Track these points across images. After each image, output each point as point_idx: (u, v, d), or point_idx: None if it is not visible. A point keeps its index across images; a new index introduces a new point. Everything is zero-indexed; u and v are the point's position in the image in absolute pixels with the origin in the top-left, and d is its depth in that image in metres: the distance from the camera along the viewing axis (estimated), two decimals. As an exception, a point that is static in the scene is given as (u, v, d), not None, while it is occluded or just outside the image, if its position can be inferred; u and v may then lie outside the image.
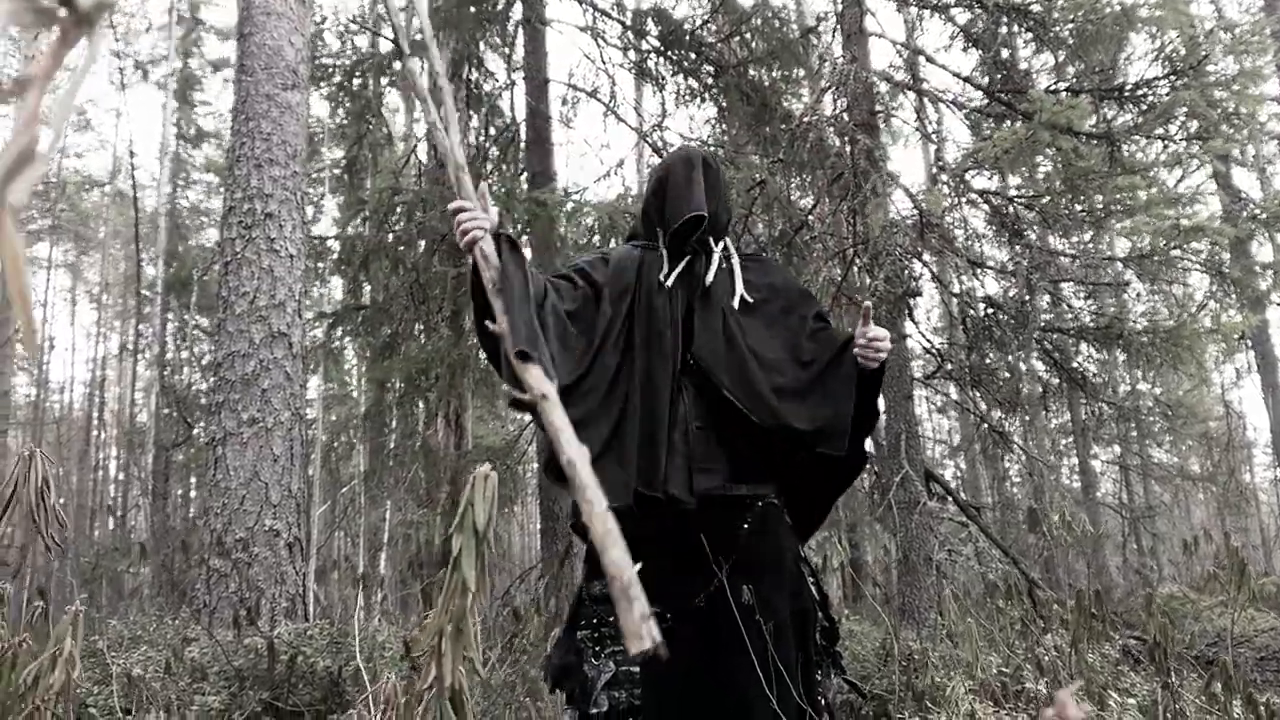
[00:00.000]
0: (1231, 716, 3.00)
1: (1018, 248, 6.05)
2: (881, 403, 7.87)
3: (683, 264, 2.43)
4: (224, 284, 5.88)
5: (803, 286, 2.58)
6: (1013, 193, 6.77)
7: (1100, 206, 5.48)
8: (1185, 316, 6.53)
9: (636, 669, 2.27)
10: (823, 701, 2.38)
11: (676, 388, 2.33)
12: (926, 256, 6.55)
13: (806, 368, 2.33)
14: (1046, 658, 3.47)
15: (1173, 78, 5.86)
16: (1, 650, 0.77)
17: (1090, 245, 6.64)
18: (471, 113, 9.99)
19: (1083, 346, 7.26)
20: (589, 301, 2.42)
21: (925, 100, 6.78)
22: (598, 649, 2.33)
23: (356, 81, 10.24)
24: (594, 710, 2.27)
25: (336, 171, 11.82)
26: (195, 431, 16.64)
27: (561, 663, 2.41)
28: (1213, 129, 5.74)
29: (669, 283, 2.39)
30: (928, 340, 7.44)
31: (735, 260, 2.48)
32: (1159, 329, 6.40)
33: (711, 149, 8.93)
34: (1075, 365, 7.23)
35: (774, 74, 8.79)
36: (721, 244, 2.48)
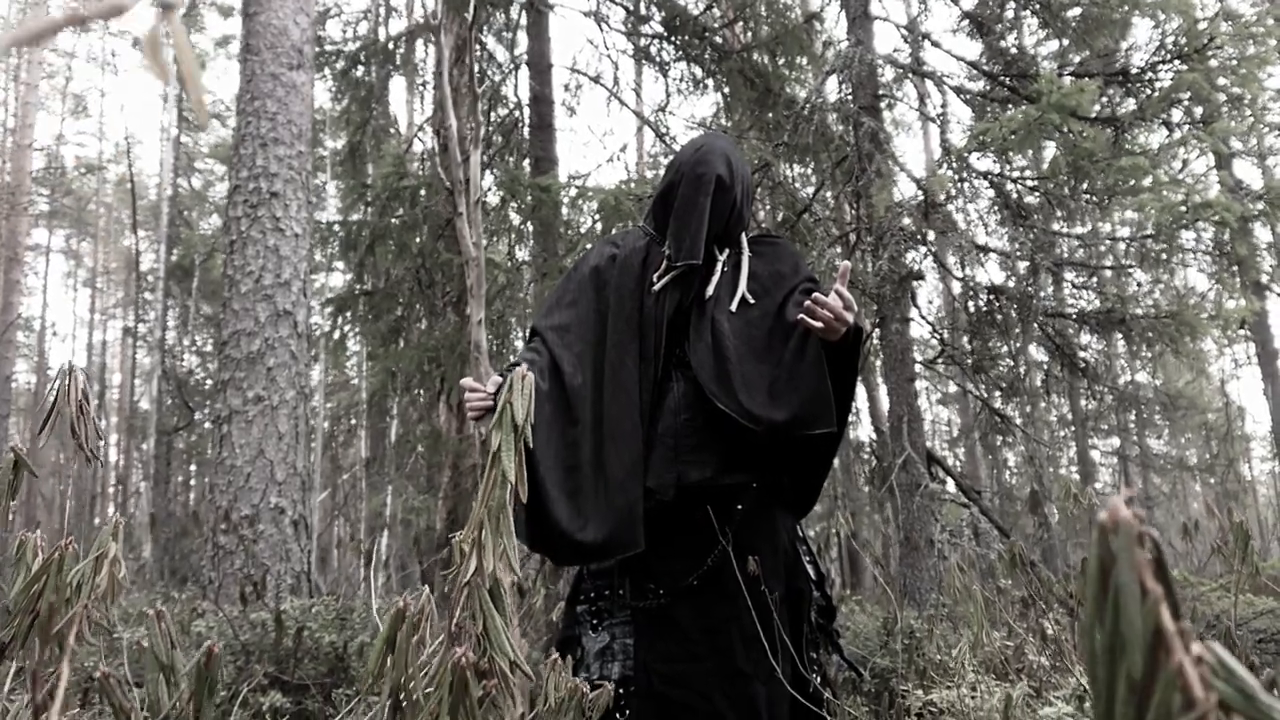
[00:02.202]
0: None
1: (1021, 230, 6.07)
2: (884, 389, 7.90)
3: (682, 270, 2.42)
4: (229, 263, 5.89)
5: (810, 273, 2.51)
6: (1016, 176, 6.78)
7: (1103, 189, 5.49)
8: (1185, 303, 6.55)
9: (630, 641, 2.31)
10: (818, 678, 2.40)
11: (665, 382, 2.35)
12: (930, 240, 6.57)
13: (786, 350, 2.29)
14: (1050, 629, 3.50)
15: (1176, 62, 5.87)
16: (49, 553, 0.79)
17: (1094, 229, 6.66)
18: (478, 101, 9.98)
19: (1084, 337, 7.28)
20: (586, 332, 2.45)
21: (929, 84, 6.79)
22: (596, 621, 2.37)
23: (360, 70, 10.24)
24: (582, 675, 2.32)
25: (339, 158, 11.83)
26: (197, 417, 16.67)
27: (564, 635, 2.46)
28: (1216, 114, 5.76)
29: (657, 287, 2.39)
30: (930, 325, 7.45)
31: (745, 256, 2.45)
32: (1160, 312, 6.42)
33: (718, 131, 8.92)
34: (1077, 356, 7.25)
35: (778, 60, 8.79)
36: (726, 253, 2.45)
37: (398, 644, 0.70)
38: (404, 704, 0.71)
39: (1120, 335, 6.85)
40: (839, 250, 6.73)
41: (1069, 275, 6.95)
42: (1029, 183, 6.22)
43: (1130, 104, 6.19)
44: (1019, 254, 5.97)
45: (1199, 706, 0.31)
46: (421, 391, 9.40)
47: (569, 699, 0.97)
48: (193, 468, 20.60)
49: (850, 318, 2.17)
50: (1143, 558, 0.33)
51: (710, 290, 2.38)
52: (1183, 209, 4.73)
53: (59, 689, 0.58)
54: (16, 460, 0.79)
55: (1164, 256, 5.68)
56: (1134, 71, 5.53)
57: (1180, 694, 0.32)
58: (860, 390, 13.30)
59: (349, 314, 9.12)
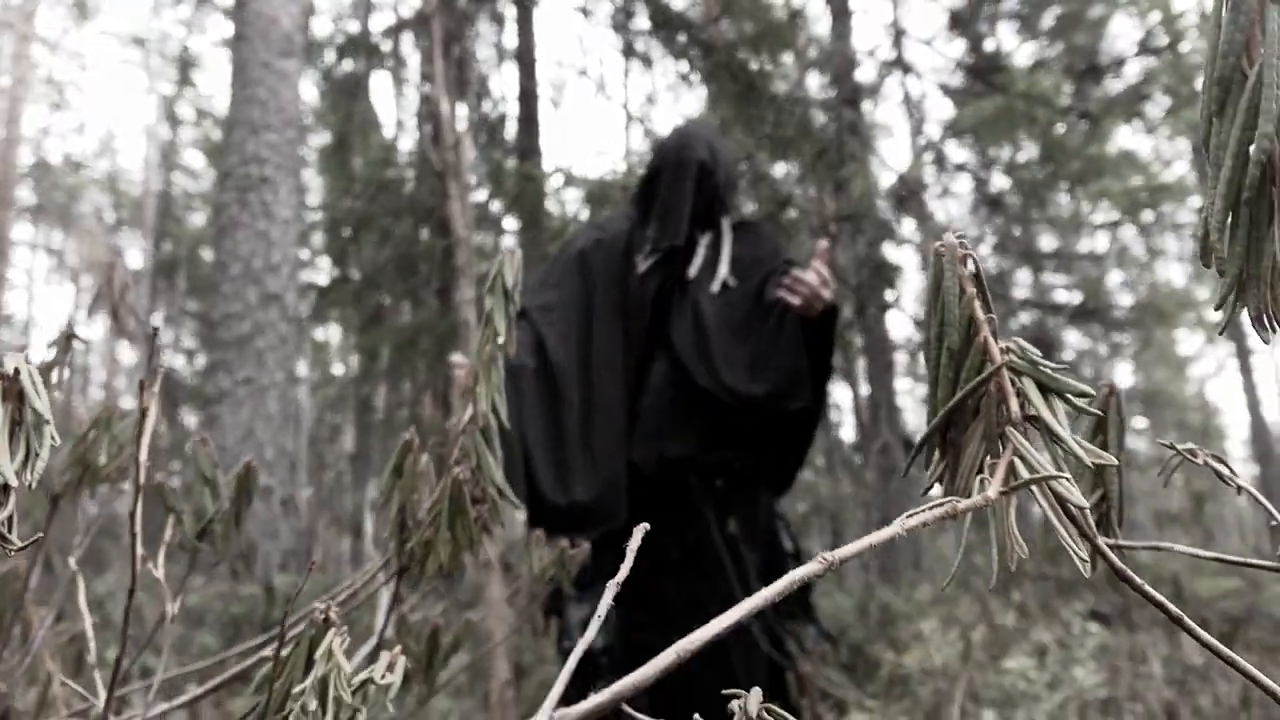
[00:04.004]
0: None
1: (995, 219, 6.22)
2: (863, 377, 8.04)
3: (665, 252, 2.49)
4: (220, 247, 5.99)
5: (789, 257, 2.58)
6: (995, 171, 6.92)
7: (1075, 175, 5.65)
8: (1158, 293, 6.71)
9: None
10: (795, 647, 2.50)
11: (649, 361, 2.44)
12: (909, 232, 6.71)
13: (764, 328, 2.35)
14: (1017, 597, 3.63)
15: (1150, 55, 6.03)
16: (100, 411, 0.90)
17: (1074, 217, 6.83)
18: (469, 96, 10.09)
19: (1064, 337, 7.43)
20: (571, 312, 2.50)
21: (911, 79, 6.94)
22: (578, 594, 2.46)
23: (347, 64, 10.33)
24: (565, 644, 2.41)
25: (327, 152, 11.90)
26: (182, 413, 16.68)
27: (549, 606, 2.55)
28: (1189, 105, 5.91)
29: (641, 268, 2.47)
30: (914, 321, 7.59)
31: (726, 240, 2.51)
32: (1135, 302, 6.58)
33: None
34: (1053, 349, 7.40)
35: (761, 56, 8.91)
36: (708, 236, 2.51)
37: (404, 470, 0.83)
38: (409, 521, 0.83)
39: (1097, 324, 7.01)
40: (821, 241, 6.84)
41: (1046, 267, 7.10)
42: (1004, 171, 6.37)
43: (1107, 97, 6.34)
44: (993, 242, 6.12)
45: (995, 365, 0.43)
46: (409, 383, 9.48)
47: (553, 563, 1.10)
48: (176, 464, 20.56)
49: (828, 295, 2.25)
50: (964, 271, 0.46)
51: (692, 272, 2.46)
52: (1144, 192, 4.89)
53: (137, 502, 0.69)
54: (71, 334, 0.90)
55: (1133, 247, 5.83)
56: (1103, 64, 5.68)
57: (983, 359, 0.44)
58: (847, 390, 13.46)
59: (333, 297, 9.19)
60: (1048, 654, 3.04)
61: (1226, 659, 0.45)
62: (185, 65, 18.77)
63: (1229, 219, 0.32)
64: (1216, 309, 0.33)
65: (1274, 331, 0.32)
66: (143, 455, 0.59)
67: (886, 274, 6.30)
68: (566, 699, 1.62)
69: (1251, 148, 0.30)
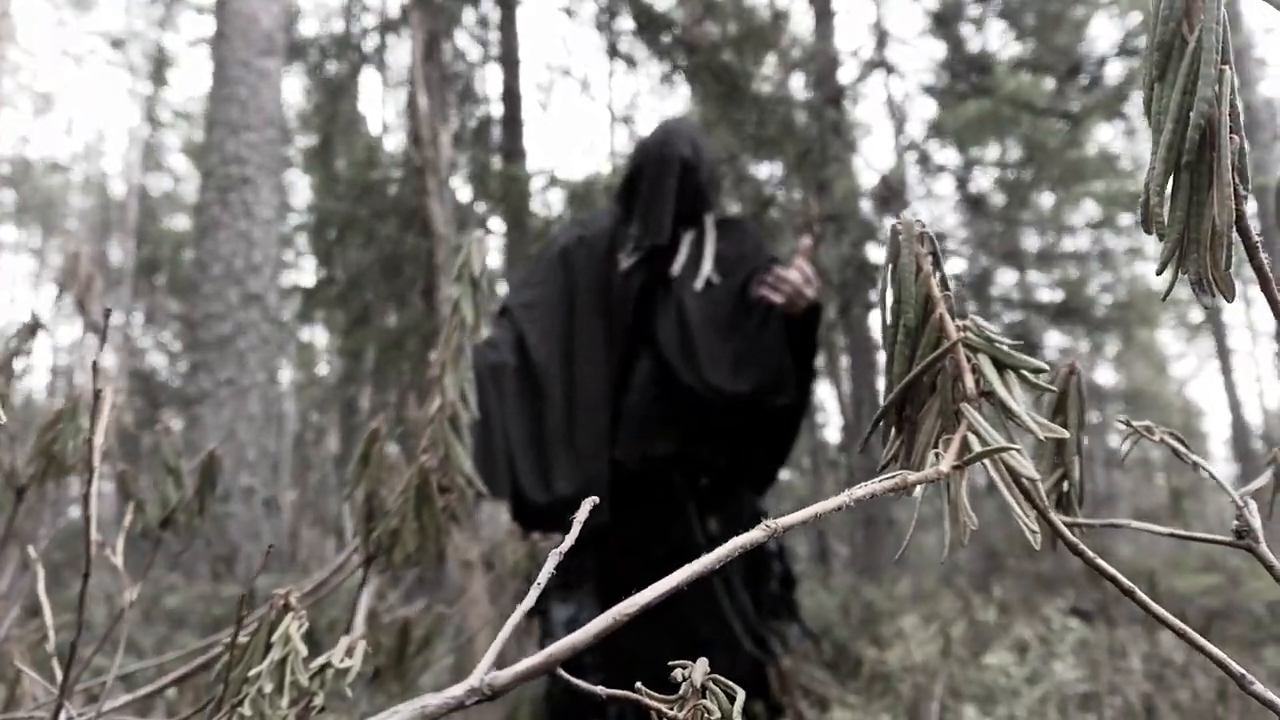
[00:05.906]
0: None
1: (978, 220, 6.25)
2: (846, 376, 8.06)
3: (648, 249, 2.49)
4: (201, 247, 5.95)
5: (773, 254, 2.59)
6: (978, 172, 6.95)
7: (1058, 177, 5.68)
8: (1139, 293, 6.75)
9: (598, 612, 2.38)
10: (778, 644, 2.50)
11: (632, 359, 2.44)
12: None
13: (749, 325, 2.35)
14: (999, 593, 3.64)
15: (1129, 56, 6.06)
16: (61, 405, 0.89)
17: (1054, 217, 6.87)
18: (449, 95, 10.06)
19: (1046, 338, 7.47)
20: (554, 310, 2.49)
21: (892, 77, 6.96)
22: (564, 594, 2.45)
23: (333, 65, 10.29)
24: (548, 643, 2.39)
25: (312, 152, 11.85)
26: (162, 415, 16.56)
27: (532, 606, 2.53)
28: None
29: (624, 266, 2.46)
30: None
31: (710, 237, 2.51)
32: (1116, 302, 6.62)
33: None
34: (1036, 348, 7.43)
35: (745, 57, 8.92)
36: (691, 233, 2.51)
37: (371, 458, 0.82)
38: (375, 507, 0.83)
39: (1079, 324, 7.04)
40: (804, 238, 6.85)
41: (1030, 266, 7.13)
42: (986, 171, 6.40)
43: (1088, 100, 6.37)
44: (974, 241, 6.15)
45: (950, 341, 0.43)
46: (394, 384, 9.45)
47: (524, 557, 1.09)
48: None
49: (810, 292, 2.24)
50: (921, 250, 0.46)
51: (676, 269, 2.46)
52: (1126, 196, 4.92)
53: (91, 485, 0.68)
54: (35, 325, 0.89)
55: (1115, 247, 5.87)
56: (1084, 64, 5.70)
57: (939, 335, 0.44)
58: (831, 390, 13.50)
59: (319, 298, 9.16)
60: (1028, 649, 3.05)
61: (1173, 628, 0.45)
62: (160, 65, 18.64)
63: (1170, 183, 0.32)
64: (1159, 273, 0.33)
65: (1214, 295, 0.33)
66: (98, 438, 0.59)
67: (870, 274, 6.31)
68: (554, 700, 1.63)
69: (1191, 113, 0.31)
